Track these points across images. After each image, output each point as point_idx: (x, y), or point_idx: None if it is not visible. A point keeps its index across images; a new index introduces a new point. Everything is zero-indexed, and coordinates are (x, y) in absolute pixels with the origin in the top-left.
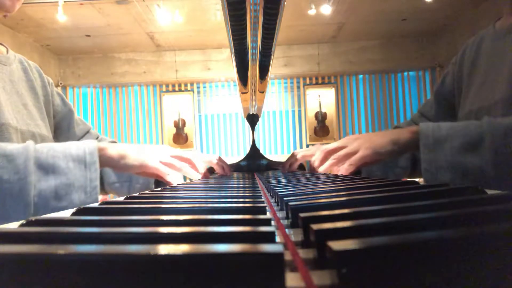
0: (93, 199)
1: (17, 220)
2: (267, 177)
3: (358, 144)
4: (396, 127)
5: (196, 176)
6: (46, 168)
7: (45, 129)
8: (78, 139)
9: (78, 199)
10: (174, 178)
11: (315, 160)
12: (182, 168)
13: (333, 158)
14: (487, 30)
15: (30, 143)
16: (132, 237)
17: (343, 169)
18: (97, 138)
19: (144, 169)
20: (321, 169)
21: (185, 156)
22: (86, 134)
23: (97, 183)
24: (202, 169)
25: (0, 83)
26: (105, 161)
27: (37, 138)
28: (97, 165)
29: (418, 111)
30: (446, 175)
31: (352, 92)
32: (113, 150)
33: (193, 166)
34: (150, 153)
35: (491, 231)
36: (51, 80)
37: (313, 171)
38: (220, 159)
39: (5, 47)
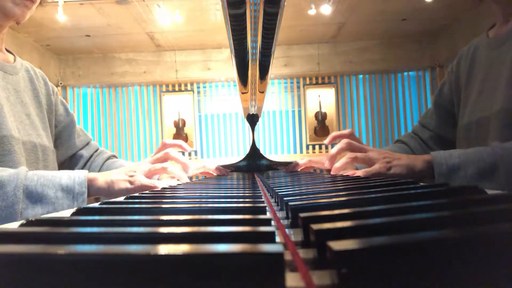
0: None
1: None
2: (267, 177)
3: (375, 157)
4: (397, 141)
5: (180, 175)
6: (34, 196)
7: (46, 139)
8: (78, 150)
9: None
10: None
11: (336, 147)
12: (167, 168)
13: (350, 156)
14: (480, 38)
15: (22, 169)
16: (132, 237)
17: (359, 173)
18: (96, 150)
19: (133, 192)
20: (333, 150)
21: (162, 156)
22: (86, 145)
23: None
24: (191, 171)
25: (4, 93)
26: (96, 191)
27: (38, 148)
28: (85, 195)
29: (419, 122)
30: None
31: (352, 92)
32: (102, 180)
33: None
34: (133, 172)
35: (491, 231)
36: (56, 89)
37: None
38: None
39: (13, 54)
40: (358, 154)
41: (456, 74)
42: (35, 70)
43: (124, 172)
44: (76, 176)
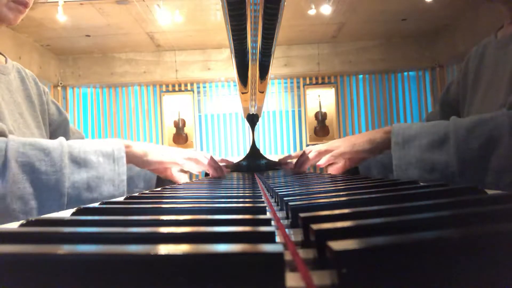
0: (120, 191)
1: (51, 209)
2: (267, 177)
3: (340, 143)
4: None
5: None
6: (79, 162)
7: (39, 138)
8: None
9: (107, 191)
10: (182, 178)
11: (307, 155)
12: (197, 159)
13: (316, 150)
14: (489, 38)
15: (62, 139)
16: (132, 237)
17: (324, 159)
18: None
19: (162, 164)
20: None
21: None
22: None
23: (125, 177)
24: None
25: None
26: (131, 158)
27: None
28: (124, 160)
29: (425, 120)
30: (415, 171)
31: (352, 92)
32: (137, 148)
33: (200, 163)
34: (169, 151)
35: (491, 231)
36: (46, 89)
37: (296, 167)
38: (211, 159)
39: (4, 56)
40: (322, 148)
41: (465, 73)
42: (26, 70)
43: (160, 149)
44: (113, 143)
